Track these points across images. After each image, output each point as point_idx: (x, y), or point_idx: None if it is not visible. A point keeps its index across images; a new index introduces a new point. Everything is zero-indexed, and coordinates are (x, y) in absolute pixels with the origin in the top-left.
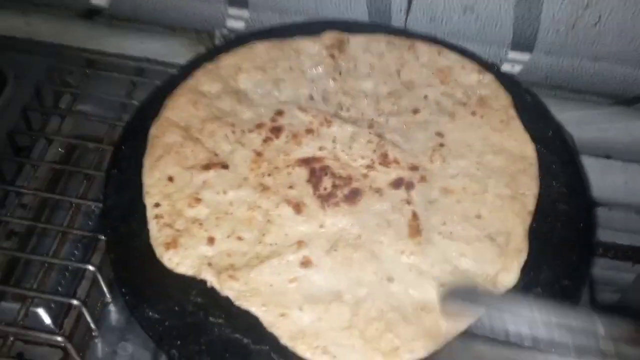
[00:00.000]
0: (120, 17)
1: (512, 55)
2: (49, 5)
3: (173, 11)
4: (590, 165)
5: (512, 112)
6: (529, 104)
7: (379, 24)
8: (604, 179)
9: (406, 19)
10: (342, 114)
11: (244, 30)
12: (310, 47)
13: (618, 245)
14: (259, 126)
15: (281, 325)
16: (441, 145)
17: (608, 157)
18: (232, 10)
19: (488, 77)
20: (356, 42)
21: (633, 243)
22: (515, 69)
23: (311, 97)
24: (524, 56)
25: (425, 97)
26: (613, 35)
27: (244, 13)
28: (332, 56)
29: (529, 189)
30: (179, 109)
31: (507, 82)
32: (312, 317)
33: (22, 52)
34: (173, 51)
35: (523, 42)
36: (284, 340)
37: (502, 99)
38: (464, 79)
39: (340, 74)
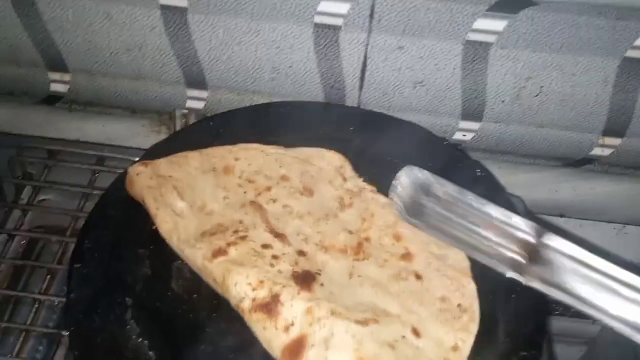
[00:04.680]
0: (80, 102)
1: (463, 124)
2: (8, 94)
3: (133, 94)
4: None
5: None
6: (479, 178)
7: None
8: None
9: (359, 95)
10: None
11: (202, 109)
12: None
13: None
14: None
15: None
16: None
17: (562, 215)
18: (192, 92)
19: None
20: None
21: None
22: (467, 137)
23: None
24: (474, 125)
25: None
26: (555, 104)
27: (203, 94)
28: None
29: None
30: None
31: (458, 156)
32: None
33: None
34: (134, 133)
35: (472, 112)
36: None
37: None
38: None
39: None
